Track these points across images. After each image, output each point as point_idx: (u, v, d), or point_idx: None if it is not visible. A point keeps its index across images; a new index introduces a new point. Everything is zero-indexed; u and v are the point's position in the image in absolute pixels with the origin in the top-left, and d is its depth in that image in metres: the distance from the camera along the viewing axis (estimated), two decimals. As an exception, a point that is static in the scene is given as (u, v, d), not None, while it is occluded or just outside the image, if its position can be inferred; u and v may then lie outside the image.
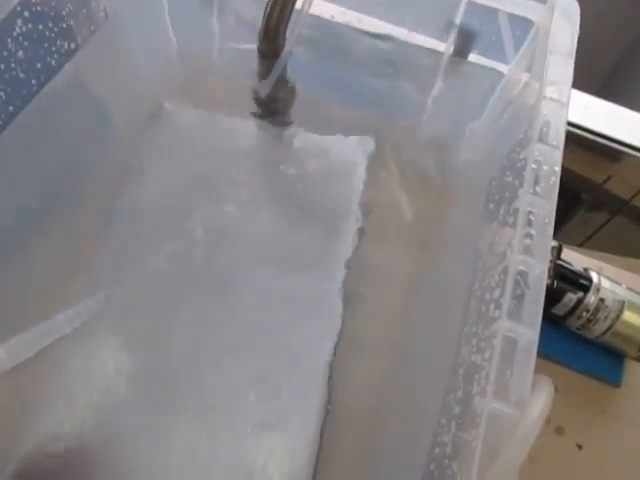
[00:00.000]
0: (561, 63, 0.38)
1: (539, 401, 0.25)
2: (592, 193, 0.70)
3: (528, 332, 0.28)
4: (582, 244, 0.75)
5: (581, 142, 0.63)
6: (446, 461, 0.30)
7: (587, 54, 0.42)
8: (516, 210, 0.32)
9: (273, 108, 0.54)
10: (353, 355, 0.43)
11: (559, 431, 0.48)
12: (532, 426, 0.25)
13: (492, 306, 0.31)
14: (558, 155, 0.34)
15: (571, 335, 0.51)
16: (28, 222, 0.45)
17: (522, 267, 0.30)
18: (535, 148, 0.34)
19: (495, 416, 0.26)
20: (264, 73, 0.51)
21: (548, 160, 0.34)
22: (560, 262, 0.51)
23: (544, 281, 0.30)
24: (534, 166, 0.33)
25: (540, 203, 0.32)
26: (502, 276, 0.31)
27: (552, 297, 0.49)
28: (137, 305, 0.44)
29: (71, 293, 0.43)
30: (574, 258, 0.53)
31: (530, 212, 0.32)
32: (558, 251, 0.52)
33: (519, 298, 0.29)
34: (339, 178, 0.51)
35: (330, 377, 0.42)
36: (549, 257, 0.31)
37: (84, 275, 0.44)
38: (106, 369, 0.41)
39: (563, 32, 0.40)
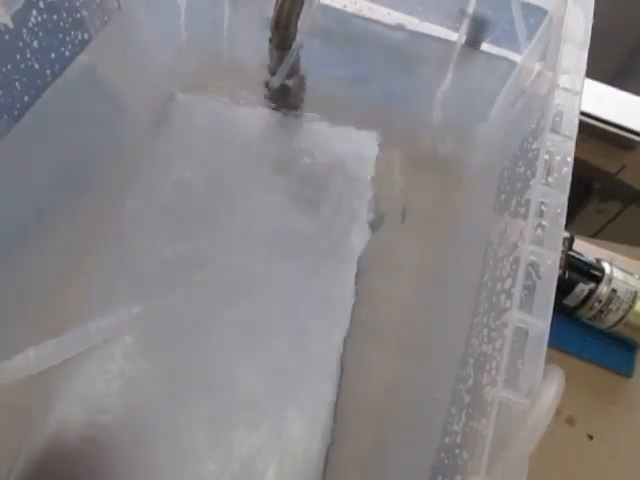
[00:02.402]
0: (575, 52, 0.38)
1: (550, 391, 0.25)
2: (605, 183, 0.70)
3: (539, 322, 0.28)
4: (595, 235, 0.75)
5: (594, 132, 0.62)
6: (456, 450, 0.30)
7: (600, 42, 0.42)
8: (528, 201, 0.32)
9: (285, 98, 0.53)
10: (364, 345, 0.43)
11: (570, 421, 0.48)
12: (543, 416, 0.25)
13: (503, 296, 0.31)
14: (571, 145, 0.34)
15: (582, 326, 0.51)
16: (41, 211, 0.46)
17: (533, 258, 0.30)
18: (547, 138, 0.34)
19: (506, 405, 0.26)
20: (276, 64, 0.51)
21: (560, 150, 0.33)
22: (572, 253, 0.50)
23: (556, 272, 0.30)
24: (546, 157, 0.33)
25: (552, 194, 0.32)
26: (513, 266, 0.31)
27: (564, 288, 0.49)
28: (150, 295, 0.44)
29: (83, 281, 0.44)
30: (586, 249, 0.53)
31: (542, 203, 0.32)
32: (570, 242, 0.51)
33: (530, 289, 0.29)
34: (350, 168, 0.51)
35: (341, 365, 0.42)
36: (561, 248, 0.31)
37: (96, 264, 0.45)
38: (118, 356, 0.41)
39: (577, 21, 0.40)
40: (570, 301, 0.49)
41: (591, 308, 0.49)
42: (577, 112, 0.35)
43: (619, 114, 0.62)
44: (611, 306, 0.48)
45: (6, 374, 0.38)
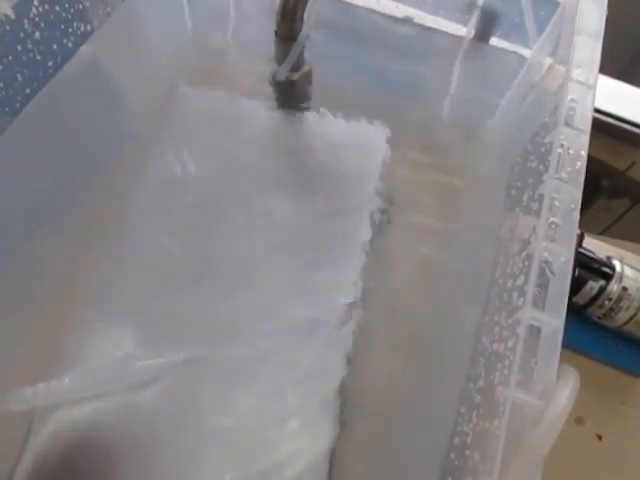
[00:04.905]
0: (588, 44, 0.37)
1: (564, 392, 0.25)
2: (614, 180, 0.69)
3: (553, 320, 0.27)
4: (603, 232, 0.74)
5: (603, 128, 0.62)
6: (467, 451, 0.29)
7: (610, 36, 0.41)
8: (541, 196, 0.31)
9: (290, 92, 0.53)
10: (371, 342, 0.43)
11: (579, 421, 0.48)
12: (557, 417, 0.24)
13: (515, 294, 0.30)
14: (585, 139, 0.33)
15: (592, 324, 0.50)
16: (43, 205, 0.45)
17: (547, 254, 0.29)
18: (561, 132, 0.33)
19: (519, 406, 0.25)
20: (281, 56, 0.50)
21: (574, 144, 0.33)
22: (582, 250, 0.50)
23: (569, 269, 0.29)
24: (560, 150, 0.32)
25: (566, 188, 0.31)
26: (526, 263, 0.30)
27: (573, 285, 0.48)
28: (152, 289, 0.44)
29: (86, 275, 0.43)
30: (595, 246, 0.52)
31: (555, 198, 0.31)
32: (579, 239, 0.51)
33: (543, 286, 0.29)
34: (357, 164, 0.50)
35: (347, 362, 0.41)
36: (575, 244, 0.30)
37: (99, 258, 0.44)
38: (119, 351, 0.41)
39: (590, 13, 0.39)
40: (580, 299, 0.49)
41: (601, 306, 0.48)
42: (591, 105, 0.35)
43: (629, 110, 0.61)
44: (622, 304, 0.48)
45: (39, 397, 0.37)
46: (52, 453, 0.37)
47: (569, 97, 0.34)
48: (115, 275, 0.44)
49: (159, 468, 0.37)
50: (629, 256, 0.54)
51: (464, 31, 0.54)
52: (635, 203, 0.71)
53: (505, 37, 0.53)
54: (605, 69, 0.49)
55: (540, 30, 0.47)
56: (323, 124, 0.53)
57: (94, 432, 0.38)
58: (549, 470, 0.25)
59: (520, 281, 0.30)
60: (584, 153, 0.32)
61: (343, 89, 0.54)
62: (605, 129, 0.62)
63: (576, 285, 0.48)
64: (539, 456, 0.24)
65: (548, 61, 0.45)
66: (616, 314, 0.48)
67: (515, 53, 0.53)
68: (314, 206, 0.48)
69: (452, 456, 0.31)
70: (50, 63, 0.46)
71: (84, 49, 0.48)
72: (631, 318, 0.48)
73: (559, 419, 0.24)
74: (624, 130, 0.62)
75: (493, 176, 0.48)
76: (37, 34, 0.43)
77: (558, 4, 0.43)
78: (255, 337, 0.42)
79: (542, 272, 0.29)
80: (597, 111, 0.61)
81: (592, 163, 0.32)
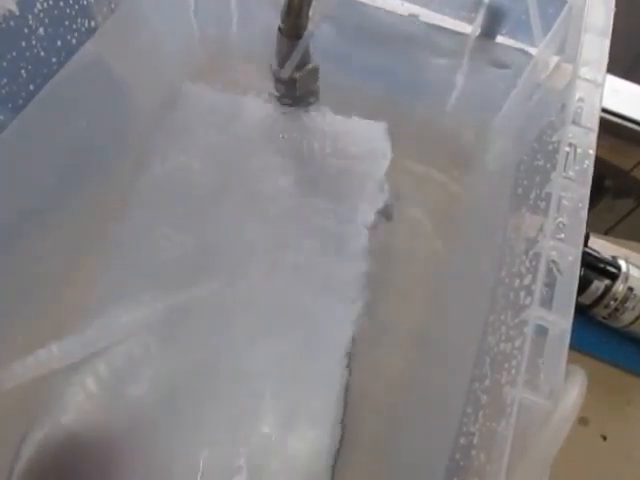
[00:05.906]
0: (596, 42, 0.37)
1: (572, 393, 0.24)
2: (619, 180, 0.68)
3: (561, 320, 0.27)
4: (607, 232, 0.73)
5: (608, 127, 0.61)
6: (473, 452, 0.29)
7: (613, 34, 0.40)
8: (548, 195, 0.31)
9: (294, 89, 0.52)
10: (375, 340, 0.42)
11: (583, 422, 0.47)
12: (565, 418, 0.24)
13: (522, 293, 0.30)
14: (592, 138, 0.33)
15: (597, 324, 0.50)
16: (47, 201, 0.45)
17: (554, 253, 0.29)
18: (569, 130, 0.33)
19: (526, 406, 0.25)
20: (286, 54, 0.49)
21: (582, 143, 0.32)
22: (587, 250, 0.49)
23: (577, 268, 0.29)
24: (567, 149, 0.32)
25: (574, 187, 0.31)
26: (533, 262, 0.30)
27: (579, 285, 0.48)
28: (156, 285, 0.43)
29: (86, 273, 0.43)
30: (600, 246, 0.52)
31: (563, 197, 0.31)
32: (585, 238, 0.50)
33: (550, 285, 0.28)
34: (361, 161, 0.50)
35: (349, 360, 0.41)
36: (582, 243, 0.30)
37: (101, 255, 0.44)
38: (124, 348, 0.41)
39: (598, 10, 0.39)
40: (585, 299, 0.48)
41: (606, 306, 0.48)
42: (599, 104, 0.34)
43: (634, 109, 0.61)
44: (627, 304, 0.47)
45: (29, 369, 0.37)
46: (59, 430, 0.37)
47: (577, 95, 0.34)
48: (115, 273, 0.44)
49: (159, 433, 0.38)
50: (634, 256, 0.54)
51: (470, 29, 0.54)
52: (640, 203, 0.71)
53: (511, 35, 0.53)
54: (609, 68, 0.48)
55: (547, 28, 0.46)
56: (326, 121, 0.52)
57: (92, 403, 0.38)
58: (553, 471, 0.25)
59: (527, 280, 0.30)
60: (592, 152, 0.32)
61: (347, 87, 0.54)
62: (610, 128, 0.61)
63: (581, 285, 0.48)
64: (547, 457, 0.23)
65: (555, 59, 0.44)
66: (621, 314, 0.48)
67: (522, 51, 0.52)
68: (317, 203, 0.48)
69: (457, 456, 0.31)
70: (54, 59, 0.45)
71: (88, 45, 0.48)
72: (636, 318, 0.48)
73: (567, 420, 0.24)
74: (629, 129, 0.61)
75: (499, 174, 0.48)
76: (41, 30, 0.43)
77: (565, 2, 0.43)
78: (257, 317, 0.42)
79: (549, 271, 0.29)
80: (602, 110, 0.60)
81: (596, 162, 0.32)
